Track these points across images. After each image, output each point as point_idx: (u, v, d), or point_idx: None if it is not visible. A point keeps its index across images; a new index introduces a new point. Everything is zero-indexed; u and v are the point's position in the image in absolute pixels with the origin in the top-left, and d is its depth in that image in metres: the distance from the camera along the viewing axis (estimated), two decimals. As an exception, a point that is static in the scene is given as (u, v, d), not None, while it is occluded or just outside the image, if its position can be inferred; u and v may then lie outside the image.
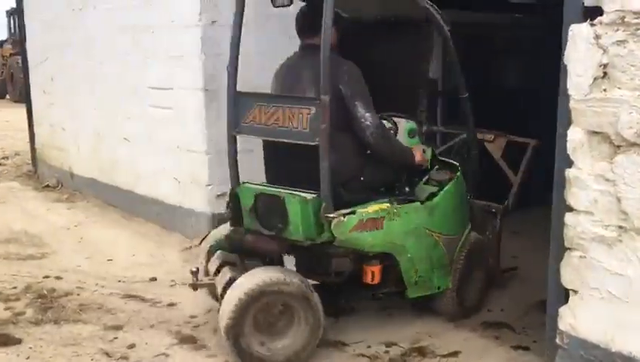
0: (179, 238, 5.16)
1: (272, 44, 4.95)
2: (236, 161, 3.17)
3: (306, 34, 3.11)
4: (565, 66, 2.59)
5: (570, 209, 2.62)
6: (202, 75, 4.73)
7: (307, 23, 3.09)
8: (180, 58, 4.95)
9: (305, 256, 3.13)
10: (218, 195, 4.88)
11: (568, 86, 2.57)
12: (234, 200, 3.09)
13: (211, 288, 3.25)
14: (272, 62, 4.92)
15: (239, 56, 3.38)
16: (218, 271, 3.10)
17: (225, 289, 2.90)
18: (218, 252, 3.25)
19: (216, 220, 4.84)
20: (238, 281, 2.85)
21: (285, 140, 2.89)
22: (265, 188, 3.03)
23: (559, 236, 2.70)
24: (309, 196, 2.82)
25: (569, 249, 2.65)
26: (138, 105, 5.58)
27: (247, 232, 3.07)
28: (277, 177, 3.09)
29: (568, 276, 2.65)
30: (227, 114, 3.09)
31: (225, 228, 3.34)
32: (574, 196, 2.59)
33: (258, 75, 4.89)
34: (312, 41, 3.03)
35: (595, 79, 2.47)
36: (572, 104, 2.56)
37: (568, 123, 2.60)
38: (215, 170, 4.86)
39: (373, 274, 2.98)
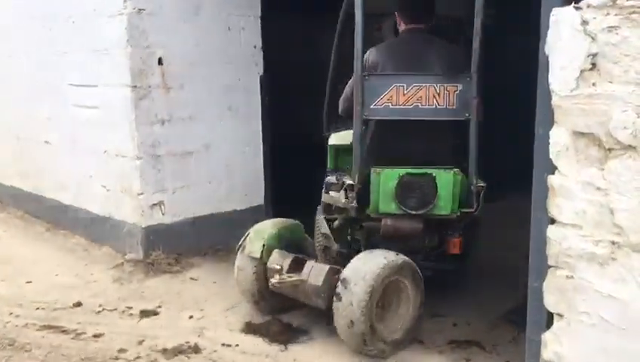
0: (109, 253, 4.63)
1: (208, 36, 4.49)
2: (364, 146, 2.95)
3: (415, 20, 3.16)
4: (546, 57, 2.23)
5: (554, 221, 2.28)
6: (129, 70, 4.20)
7: (418, 11, 3.18)
8: (104, 51, 4.40)
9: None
10: (152, 205, 4.37)
11: (550, 80, 2.22)
12: (364, 186, 2.94)
13: (290, 286, 3.10)
14: (207, 55, 4.51)
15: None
16: (294, 267, 3.08)
17: (329, 280, 2.91)
18: (276, 250, 3.22)
19: (150, 233, 4.35)
20: (355, 267, 2.85)
21: (428, 118, 2.91)
22: (407, 169, 2.91)
23: (540, 251, 2.37)
24: (456, 170, 2.91)
25: (553, 267, 2.31)
26: (60, 104, 4.99)
27: (384, 216, 2.95)
28: (393, 158, 2.98)
29: (553, 298, 2.32)
30: (355, 97, 2.86)
31: (266, 226, 3.37)
32: (558, 207, 2.25)
33: (193, 69, 4.46)
34: (419, 25, 3.16)
35: (582, 72, 2.13)
36: (555, 101, 2.22)
37: (550, 123, 2.25)
38: (147, 177, 4.35)
39: (458, 244, 3.10)
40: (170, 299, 3.86)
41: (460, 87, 2.89)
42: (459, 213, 2.99)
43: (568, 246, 2.23)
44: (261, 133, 4.88)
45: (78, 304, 3.80)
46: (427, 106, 2.90)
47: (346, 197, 2.96)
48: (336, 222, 3.15)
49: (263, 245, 3.27)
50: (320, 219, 3.41)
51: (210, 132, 4.61)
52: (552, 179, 2.26)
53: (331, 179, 3.19)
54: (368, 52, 3.13)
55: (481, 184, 3.01)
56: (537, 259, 2.39)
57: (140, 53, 4.20)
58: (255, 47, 4.76)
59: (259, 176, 4.90)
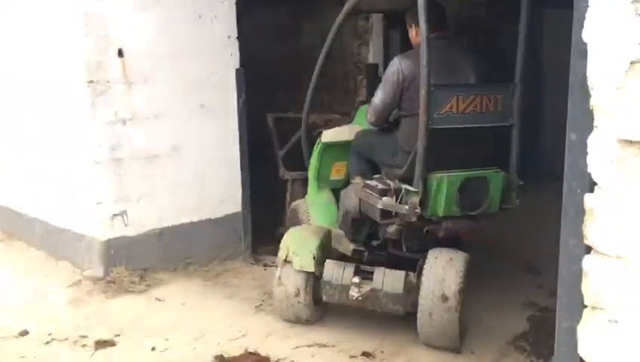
0: (67, 269, 4.12)
1: (175, 24, 3.99)
2: (428, 153, 2.96)
3: (438, 27, 3.18)
4: (582, 47, 1.78)
5: (591, 250, 1.83)
6: (84, 62, 3.69)
7: (440, 18, 3.23)
8: (57, 40, 3.88)
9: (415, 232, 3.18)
10: (113, 215, 3.88)
11: (589, 74, 1.76)
12: (425, 191, 3.02)
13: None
14: (175, 47, 4.01)
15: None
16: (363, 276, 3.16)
17: (408, 285, 3.10)
18: (328, 261, 3.24)
19: (111, 247, 3.85)
20: (439, 262, 3.06)
21: (483, 125, 3.08)
22: (466, 173, 3.08)
23: (572, 286, 1.91)
24: (503, 172, 3.15)
25: (592, 308, 1.85)
26: (7, 100, 4.46)
27: (442, 219, 3.08)
28: (439, 163, 3.06)
29: (590, 346, 1.86)
30: (421, 108, 2.89)
31: (307, 235, 3.37)
32: (599, 234, 1.80)
33: (159, 62, 3.96)
34: (442, 32, 3.21)
35: (632, 64, 1.67)
36: (595, 100, 1.76)
37: (587, 127, 1.79)
38: (107, 184, 3.85)
39: (475, 232, 3.26)
40: (131, 326, 3.38)
41: (506, 94, 3.11)
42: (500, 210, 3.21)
43: (612, 284, 1.78)
44: (238, 133, 4.38)
45: (25, 332, 3.32)
46: (482, 114, 3.08)
47: (401, 202, 2.99)
48: (392, 227, 3.07)
49: (313, 257, 3.23)
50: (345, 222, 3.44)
51: (180, 132, 4.11)
52: (591, 199, 1.81)
53: (377, 184, 3.13)
54: (399, 60, 3.22)
55: (521, 182, 3.23)
56: (569, 296, 1.94)
57: (97, 42, 3.69)
58: (230, 37, 4.26)
59: (235, 180, 4.40)
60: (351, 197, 3.33)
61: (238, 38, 4.29)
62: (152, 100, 3.96)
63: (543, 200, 6.29)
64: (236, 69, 4.32)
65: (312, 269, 3.21)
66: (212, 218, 4.33)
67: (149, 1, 3.84)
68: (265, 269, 4.33)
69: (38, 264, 4.27)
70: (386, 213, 3.01)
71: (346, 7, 3.46)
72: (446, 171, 3.03)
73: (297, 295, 3.23)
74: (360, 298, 3.10)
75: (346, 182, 3.71)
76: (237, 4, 4.24)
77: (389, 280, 3.10)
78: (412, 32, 3.32)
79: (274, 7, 5.49)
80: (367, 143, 3.57)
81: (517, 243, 4.84)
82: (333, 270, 3.19)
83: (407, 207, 2.94)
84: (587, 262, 1.84)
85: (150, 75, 3.92)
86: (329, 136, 3.76)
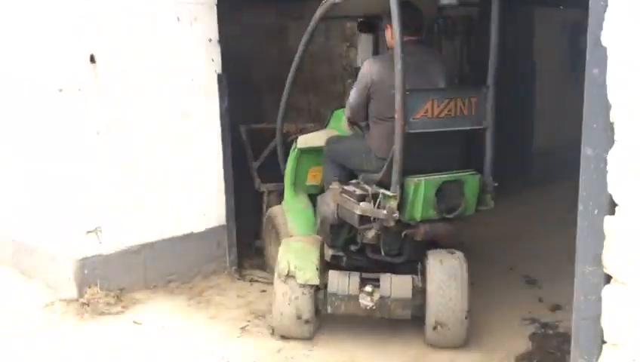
0: (40, 289, 3.86)
1: (153, 27, 3.76)
2: (404, 157, 2.95)
3: (414, 32, 3.19)
4: (599, 52, 1.58)
5: (611, 279, 1.64)
6: (55, 68, 3.45)
7: (416, 24, 3.22)
8: (27, 46, 3.64)
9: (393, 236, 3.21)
10: (87, 232, 3.63)
11: (609, 83, 1.57)
12: (402, 195, 3.02)
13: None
14: (153, 51, 3.75)
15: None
16: (367, 283, 3.17)
17: (415, 289, 3.14)
18: (331, 272, 3.20)
19: (86, 266, 3.61)
20: (443, 263, 3.13)
21: (457, 128, 3.09)
22: (442, 177, 3.08)
23: (590, 319, 1.72)
24: (478, 174, 3.15)
25: (612, 344, 1.66)
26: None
27: (418, 222, 3.08)
28: (416, 167, 3.04)
29: (611, 387, 1.67)
30: (397, 113, 2.88)
31: (305, 247, 3.29)
32: (621, 261, 1.60)
33: (136, 67, 3.73)
34: (417, 37, 3.22)
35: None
36: (617, 111, 1.56)
37: (606, 141, 1.60)
38: (81, 197, 3.60)
39: (452, 235, 3.24)
40: (103, 356, 3.12)
41: (480, 97, 3.10)
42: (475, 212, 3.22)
43: (636, 317, 1.58)
44: (221, 141, 4.15)
45: (-9, 361, 3.06)
46: (456, 117, 3.07)
47: (379, 207, 2.98)
48: (371, 232, 3.10)
49: (317, 269, 3.16)
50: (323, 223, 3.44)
51: (159, 141, 3.87)
52: (611, 221, 1.61)
53: (354, 189, 3.11)
54: (368, 64, 3.24)
55: (495, 184, 3.21)
56: (586, 330, 1.74)
57: (68, 48, 3.44)
58: (211, 40, 4.03)
59: (219, 192, 4.18)
60: (328, 203, 3.33)
61: (219, 41, 4.07)
62: (128, 108, 3.72)
63: (536, 205, 6.17)
64: (218, 74, 4.09)
65: (317, 282, 3.14)
66: (195, 232, 4.09)
67: (125, 3, 3.60)
68: (251, 284, 4.11)
69: (9, 283, 4.01)
70: (364, 218, 3.02)
71: (318, 12, 3.46)
72: (423, 175, 3.04)
73: (301, 310, 3.14)
74: (374, 307, 3.09)
75: (323, 188, 3.64)
76: (218, 5, 4.02)
77: (396, 285, 3.12)
78: (388, 35, 3.32)
79: (259, 8, 5.28)
80: (340, 149, 3.54)
81: (512, 253, 4.66)
82: (338, 281, 3.16)
83: (385, 211, 2.95)
84: (607, 292, 1.66)
85: (126, 82, 3.68)
86: (304, 141, 3.77)
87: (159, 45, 3.79)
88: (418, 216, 3.02)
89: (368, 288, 3.12)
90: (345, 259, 3.36)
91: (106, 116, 3.62)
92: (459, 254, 3.21)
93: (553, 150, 7.39)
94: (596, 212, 1.66)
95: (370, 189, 3.05)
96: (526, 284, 4.11)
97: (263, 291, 3.99)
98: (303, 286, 3.13)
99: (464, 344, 3.15)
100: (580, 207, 1.71)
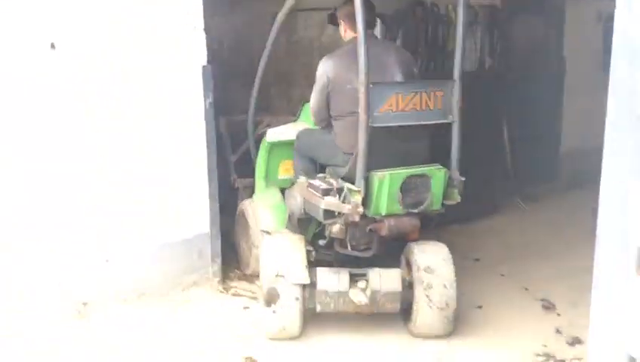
0: None
1: (126, 11, 3.38)
2: (369, 152, 2.94)
3: (369, 25, 3.13)
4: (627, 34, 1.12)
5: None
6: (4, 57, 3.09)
7: (371, 16, 3.21)
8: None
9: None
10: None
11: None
12: (367, 190, 3.02)
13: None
14: (126, 39, 3.37)
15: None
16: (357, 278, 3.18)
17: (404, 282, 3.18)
18: (319, 269, 3.18)
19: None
20: (428, 254, 3.19)
21: (423, 122, 3.07)
22: (408, 171, 3.06)
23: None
24: (445, 169, 3.12)
25: None
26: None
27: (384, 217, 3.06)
28: (381, 161, 3.04)
29: None
30: (361, 106, 2.88)
31: (291, 245, 3.23)
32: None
33: (105, 57, 3.35)
34: (372, 30, 3.26)
35: None
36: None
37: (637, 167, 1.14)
38: (42, 203, 3.24)
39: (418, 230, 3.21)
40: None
41: (446, 91, 3.07)
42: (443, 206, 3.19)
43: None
44: (205, 139, 3.76)
45: None
46: (422, 111, 3.04)
47: (344, 202, 2.98)
48: (336, 227, 3.06)
49: (306, 267, 3.14)
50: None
51: (133, 139, 3.50)
52: None
53: (320, 184, 3.08)
54: (324, 62, 3.23)
55: (462, 178, 3.18)
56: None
57: (28, 34, 3.08)
58: (195, 28, 3.63)
59: (201, 195, 3.79)
60: (295, 197, 3.34)
61: (204, 29, 3.66)
62: (97, 103, 3.35)
63: (561, 213, 5.65)
64: (203, 66, 3.69)
65: (308, 281, 3.11)
66: (173, 239, 3.71)
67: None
68: (234, 300, 3.72)
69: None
70: (329, 213, 3.01)
71: (287, 5, 3.46)
72: (388, 169, 3.01)
73: (293, 309, 3.10)
74: (367, 302, 3.09)
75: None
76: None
77: (385, 279, 3.14)
78: (342, 30, 3.35)
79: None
80: (308, 143, 3.51)
81: (529, 269, 4.18)
82: (327, 278, 3.13)
83: (349, 206, 2.95)
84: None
85: (94, 74, 3.31)
86: (274, 134, 3.74)
87: (135, 31, 3.40)
88: (383, 210, 3.01)
89: (361, 284, 3.13)
90: (314, 253, 3.29)
91: (68, 114, 3.25)
92: (442, 244, 3.28)
93: (582, 152, 6.86)
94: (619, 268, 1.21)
95: (335, 183, 3.04)
96: (542, 309, 3.63)
97: (247, 308, 3.60)
98: (294, 285, 3.09)
99: (450, 333, 3.20)
100: (600, 215, 1.26)
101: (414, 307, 3.13)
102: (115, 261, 3.50)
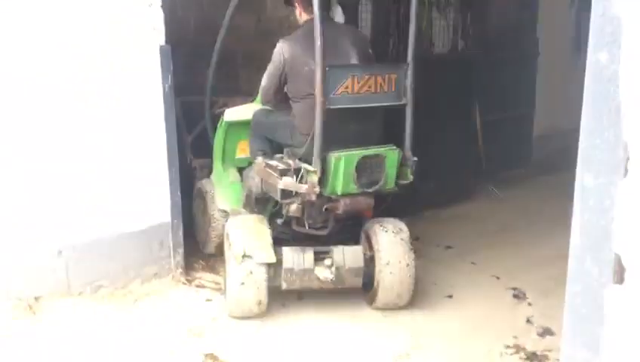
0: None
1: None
2: (325, 133, 3.00)
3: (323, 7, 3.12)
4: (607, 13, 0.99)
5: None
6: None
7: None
8: None
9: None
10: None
11: (623, 64, 0.98)
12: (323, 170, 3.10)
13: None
14: (72, 18, 3.08)
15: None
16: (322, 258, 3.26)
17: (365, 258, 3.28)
18: (284, 248, 3.22)
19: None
20: (388, 231, 3.30)
21: (377, 104, 3.15)
22: (363, 151, 3.13)
23: None
24: (398, 149, 3.22)
25: None
26: None
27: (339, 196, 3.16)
28: (337, 142, 3.10)
29: None
30: (317, 88, 2.94)
31: (255, 226, 3.26)
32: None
33: (45, 37, 3.13)
34: (326, 13, 3.26)
35: None
36: (634, 115, 0.98)
37: (616, 164, 1.02)
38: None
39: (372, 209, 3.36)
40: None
41: (400, 74, 3.14)
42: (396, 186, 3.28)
43: None
44: (164, 127, 3.57)
45: None
46: (376, 93, 3.12)
47: (301, 182, 3.06)
48: (293, 206, 3.17)
49: (271, 246, 3.17)
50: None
51: (86, 128, 3.30)
52: (615, 297, 1.04)
53: (277, 164, 3.18)
54: (281, 44, 3.23)
55: (415, 158, 3.28)
56: None
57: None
58: (151, 5, 3.42)
59: (160, 184, 3.60)
60: (253, 177, 3.43)
61: (162, 5, 3.45)
62: (39, 89, 3.13)
63: (534, 199, 5.60)
64: (161, 47, 3.48)
65: (274, 260, 3.15)
66: (132, 229, 3.53)
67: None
68: (197, 292, 3.57)
69: None
70: (286, 193, 3.10)
71: None
72: (343, 150, 3.08)
73: (258, 289, 3.14)
74: (335, 279, 3.19)
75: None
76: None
77: (349, 256, 3.23)
78: (297, 12, 3.37)
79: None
80: (265, 123, 3.52)
81: (501, 257, 4.11)
82: (293, 256, 3.19)
83: (306, 186, 3.03)
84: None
85: (31, 57, 3.09)
86: (232, 114, 3.75)
87: (81, 8, 3.19)
88: (339, 190, 3.10)
89: (328, 261, 3.22)
90: (271, 232, 3.30)
91: (12, 98, 3.04)
92: (400, 221, 3.39)
93: (555, 135, 6.82)
94: (596, 279, 1.08)
95: (292, 164, 3.12)
96: (513, 299, 3.55)
97: (209, 300, 3.46)
98: (260, 265, 3.12)
99: (409, 304, 3.33)
100: (571, 274, 1.13)
101: (375, 281, 3.26)
102: (68, 252, 3.30)
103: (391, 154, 3.18)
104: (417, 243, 4.37)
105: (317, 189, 3.03)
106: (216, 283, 3.64)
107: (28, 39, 3.09)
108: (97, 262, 3.41)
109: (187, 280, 3.70)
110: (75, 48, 3.22)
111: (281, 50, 3.20)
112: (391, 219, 3.39)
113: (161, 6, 3.46)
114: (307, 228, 3.28)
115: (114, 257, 3.46)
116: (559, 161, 6.59)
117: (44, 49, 3.13)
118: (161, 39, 3.49)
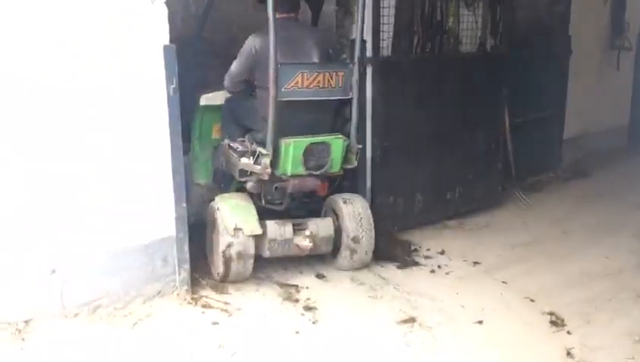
0: None
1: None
2: (278, 124, 3.41)
3: (289, 10, 3.68)
4: None
5: None
6: None
7: (290, 3, 3.69)
8: None
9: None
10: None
11: None
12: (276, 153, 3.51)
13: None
14: (69, 14, 2.81)
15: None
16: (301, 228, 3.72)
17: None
18: (268, 221, 3.62)
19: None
20: (349, 204, 3.84)
21: (325, 98, 3.58)
22: (310, 139, 3.56)
23: None
24: (344, 137, 3.68)
25: None
26: None
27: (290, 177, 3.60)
28: (290, 130, 3.51)
29: None
30: (271, 82, 3.30)
31: (242, 203, 3.67)
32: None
33: (40, 36, 2.84)
34: (292, 14, 3.72)
35: None
36: None
37: None
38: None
39: (326, 188, 3.81)
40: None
41: (346, 72, 3.56)
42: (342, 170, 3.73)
43: None
44: (169, 132, 3.29)
45: None
46: (325, 89, 3.53)
47: (258, 163, 3.49)
48: (249, 183, 3.64)
49: (257, 220, 3.58)
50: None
51: (82, 133, 3.03)
52: None
53: (237, 146, 3.64)
54: (253, 37, 3.59)
55: (359, 146, 3.74)
56: None
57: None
58: (153, 1, 3.13)
59: (165, 194, 3.32)
60: (219, 157, 3.92)
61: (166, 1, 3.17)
62: (35, 90, 2.87)
63: (568, 206, 5.22)
64: (165, 46, 3.20)
65: (260, 232, 3.56)
66: (133, 244, 3.26)
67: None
68: (203, 313, 3.29)
69: None
70: (244, 172, 3.57)
71: None
72: (294, 137, 3.50)
73: (247, 256, 3.54)
74: (312, 246, 3.64)
75: None
76: (163, -46, 3.12)
77: (322, 227, 3.72)
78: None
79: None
80: (234, 108, 3.91)
81: (535, 276, 3.76)
82: (275, 228, 3.61)
83: (259, 167, 3.46)
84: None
85: (26, 56, 2.82)
86: (207, 99, 4.10)
87: (80, 7, 2.91)
88: (288, 171, 3.54)
89: (307, 232, 3.67)
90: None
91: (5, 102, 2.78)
92: (359, 196, 3.96)
93: (587, 137, 6.45)
94: None
95: (250, 147, 3.55)
96: (550, 326, 3.21)
97: (215, 323, 3.18)
98: (249, 237, 3.53)
99: (371, 262, 3.87)
100: None
101: (341, 247, 3.77)
102: (62, 271, 3.04)
103: (336, 142, 3.61)
104: (443, 257, 4.08)
105: (269, 170, 3.46)
106: (225, 303, 3.36)
107: (27, 39, 2.82)
108: (95, 280, 3.14)
109: (193, 298, 3.41)
110: (75, 48, 2.95)
111: (253, 43, 3.56)
112: (352, 194, 3.91)
113: (165, 1, 3.17)
114: (264, 203, 3.71)
115: (113, 274, 3.19)
116: (591, 165, 6.25)
117: (44, 49, 2.88)
118: (164, 38, 3.20)
